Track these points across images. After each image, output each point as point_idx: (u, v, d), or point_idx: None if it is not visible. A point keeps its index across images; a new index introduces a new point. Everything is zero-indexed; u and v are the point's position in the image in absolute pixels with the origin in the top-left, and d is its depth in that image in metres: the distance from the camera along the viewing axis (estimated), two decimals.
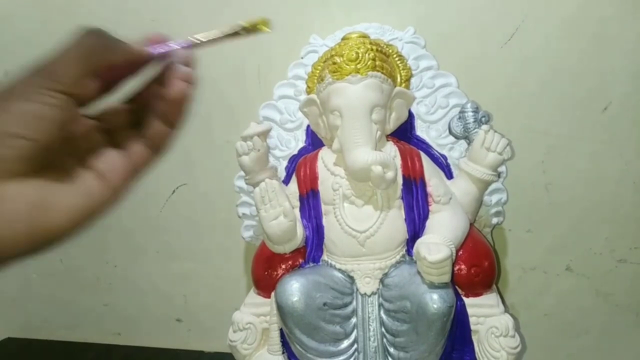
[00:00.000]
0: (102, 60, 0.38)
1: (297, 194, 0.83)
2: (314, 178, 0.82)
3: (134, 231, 1.13)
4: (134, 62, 0.41)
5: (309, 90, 0.86)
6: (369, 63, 0.77)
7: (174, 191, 1.09)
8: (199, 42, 0.48)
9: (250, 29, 0.55)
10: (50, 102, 0.35)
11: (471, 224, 0.83)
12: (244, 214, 0.93)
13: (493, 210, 0.88)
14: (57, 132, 0.36)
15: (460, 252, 0.79)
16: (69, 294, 1.20)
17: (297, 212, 0.82)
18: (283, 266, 0.83)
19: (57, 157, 0.38)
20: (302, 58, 0.92)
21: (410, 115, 0.86)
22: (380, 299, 0.78)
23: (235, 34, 0.52)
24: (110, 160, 0.42)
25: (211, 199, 1.07)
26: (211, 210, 1.07)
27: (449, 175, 0.86)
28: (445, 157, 0.87)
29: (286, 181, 0.87)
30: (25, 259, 0.36)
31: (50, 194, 0.37)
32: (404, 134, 0.86)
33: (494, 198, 0.87)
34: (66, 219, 0.38)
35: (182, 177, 1.08)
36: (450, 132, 0.87)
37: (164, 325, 1.16)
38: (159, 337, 1.16)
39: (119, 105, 0.45)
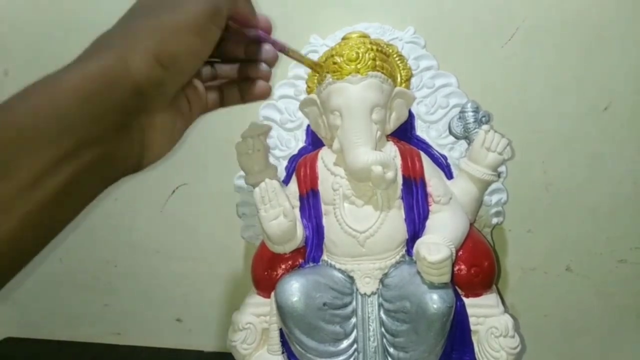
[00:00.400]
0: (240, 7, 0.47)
1: (297, 194, 0.83)
2: (314, 178, 0.82)
3: (134, 231, 1.13)
4: (244, 31, 0.50)
5: (309, 90, 0.86)
6: (369, 63, 0.77)
7: (174, 191, 1.09)
8: (287, 51, 0.57)
9: (315, 68, 0.72)
10: (212, 39, 0.43)
11: (471, 224, 0.83)
12: (243, 213, 0.93)
13: (493, 210, 0.88)
14: (197, 68, 0.44)
15: (460, 252, 0.79)
16: (69, 294, 1.19)
17: (297, 212, 0.82)
18: (283, 266, 0.83)
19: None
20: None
21: (411, 115, 0.86)
22: (380, 299, 0.78)
23: (306, 62, 0.65)
24: (197, 94, 0.49)
25: (211, 199, 1.07)
26: (211, 210, 1.07)
27: (449, 175, 0.86)
28: (445, 157, 0.87)
29: (286, 181, 0.87)
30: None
31: (178, 123, 0.46)
32: (404, 134, 0.86)
33: (494, 198, 0.87)
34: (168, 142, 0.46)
35: (182, 177, 1.08)
36: (451, 132, 0.87)
37: (164, 325, 1.16)
38: (159, 337, 1.16)
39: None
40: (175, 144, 0.46)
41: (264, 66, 0.53)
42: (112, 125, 0.37)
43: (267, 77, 0.54)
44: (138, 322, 1.17)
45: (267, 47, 0.52)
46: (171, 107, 0.44)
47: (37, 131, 0.33)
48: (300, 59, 0.62)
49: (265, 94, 0.55)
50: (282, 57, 0.58)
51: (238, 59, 0.53)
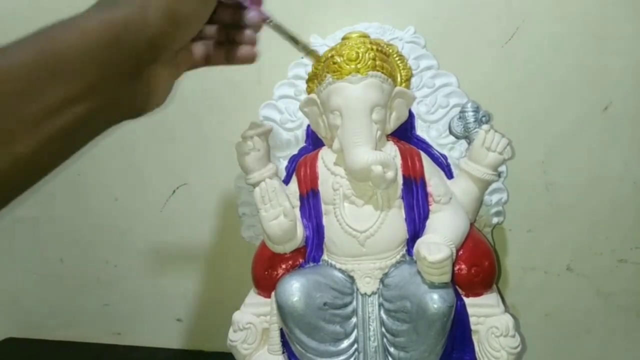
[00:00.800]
0: None
1: (297, 194, 0.83)
2: (314, 178, 0.82)
3: (134, 231, 1.13)
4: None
5: (309, 90, 0.86)
6: (369, 63, 0.77)
7: (174, 191, 1.09)
8: (271, 21, 0.59)
9: (307, 52, 0.70)
10: (212, 3, 0.48)
11: (471, 224, 0.83)
12: (244, 213, 0.93)
13: (493, 210, 0.88)
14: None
15: (461, 252, 0.79)
16: (69, 294, 1.20)
17: (297, 211, 0.82)
18: (283, 266, 0.83)
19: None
20: (302, 58, 0.91)
21: (411, 115, 0.86)
22: (381, 298, 0.78)
23: (296, 43, 0.67)
24: (187, 50, 0.52)
25: (211, 199, 1.07)
26: (211, 210, 1.07)
27: (449, 175, 0.86)
28: (445, 157, 0.87)
29: (286, 181, 0.87)
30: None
31: (175, 76, 0.50)
32: (404, 133, 0.86)
33: (494, 198, 0.87)
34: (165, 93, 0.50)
35: (182, 177, 1.08)
36: (451, 132, 0.87)
37: (164, 325, 1.16)
38: (159, 337, 1.16)
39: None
40: (168, 94, 0.50)
41: (248, 31, 0.56)
42: (128, 70, 0.41)
43: (252, 42, 0.57)
44: (138, 322, 1.18)
45: (251, 14, 0.55)
46: (171, 60, 0.47)
47: (69, 63, 0.36)
48: (284, 33, 0.64)
49: (250, 59, 0.58)
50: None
51: (224, 22, 0.56)
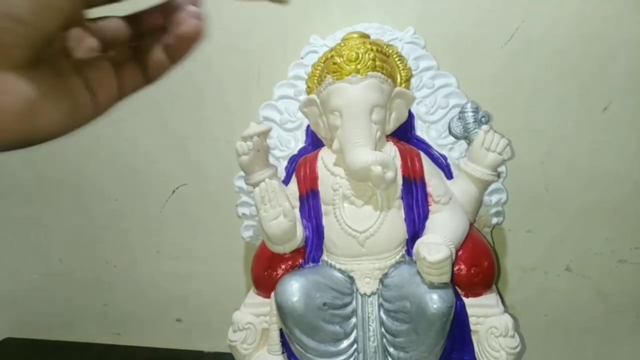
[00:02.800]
0: None
1: (297, 194, 0.83)
2: (314, 178, 0.82)
3: (134, 231, 1.13)
4: None
5: (309, 91, 0.86)
6: (369, 63, 0.77)
7: (174, 191, 1.09)
8: None
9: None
10: None
11: (471, 224, 0.83)
12: (243, 214, 0.93)
13: (493, 210, 0.88)
14: (60, 24, 0.34)
15: (460, 252, 0.79)
16: (68, 294, 1.20)
17: (297, 212, 0.82)
18: (283, 266, 0.83)
19: (53, 55, 0.37)
20: (302, 58, 0.92)
21: (410, 116, 0.86)
22: (380, 299, 0.78)
23: None
24: (102, 75, 0.41)
25: (211, 199, 1.07)
26: (211, 210, 1.08)
27: (449, 175, 0.86)
28: (445, 157, 0.87)
29: (286, 181, 0.87)
30: None
31: (42, 95, 0.36)
32: (404, 134, 0.86)
33: (494, 198, 0.87)
34: (49, 125, 0.37)
35: (182, 177, 1.08)
36: (450, 133, 0.86)
37: (164, 325, 1.16)
38: (159, 337, 1.16)
39: (122, 19, 0.43)
40: (30, 124, 0.36)
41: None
42: None
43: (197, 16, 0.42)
44: (138, 322, 1.18)
45: None
46: (30, 70, 0.35)
47: None
48: None
49: (197, 31, 0.42)
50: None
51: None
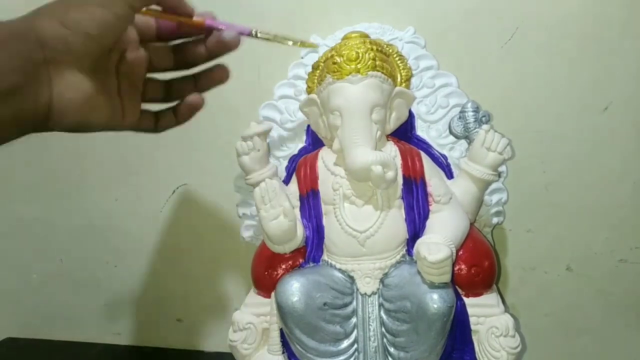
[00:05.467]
0: None
1: (297, 194, 0.83)
2: (314, 178, 0.82)
3: (134, 231, 1.13)
4: (183, 22, 0.53)
5: (309, 90, 0.86)
6: (369, 63, 0.77)
7: (174, 191, 1.09)
8: (253, 34, 0.57)
9: (302, 44, 0.66)
10: (121, 13, 0.45)
11: (471, 224, 0.83)
12: (244, 213, 0.93)
13: (493, 210, 0.88)
14: (115, 41, 0.47)
15: (461, 252, 0.79)
16: (69, 294, 1.20)
17: (297, 212, 0.82)
18: (283, 266, 0.82)
19: (108, 64, 0.49)
20: (302, 58, 0.92)
21: (411, 115, 0.86)
22: (381, 298, 0.78)
23: (288, 41, 0.63)
24: (131, 101, 0.54)
25: (211, 199, 1.07)
26: (211, 210, 1.07)
27: (450, 175, 0.86)
28: (445, 157, 0.87)
29: (286, 181, 0.87)
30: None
31: (97, 92, 0.48)
32: (404, 133, 0.86)
33: (494, 198, 0.87)
34: (99, 118, 0.50)
35: (182, 177, 1.08)
36: (451, 132, 0.86)
37: (164, 325, 1.16)
38: (159, 336, 1.16)
39: (168, 48, 0.56)
40: (87, 114, 0.48)
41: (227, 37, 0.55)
42: (21, 71, 0.42)
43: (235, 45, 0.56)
44: (138, 322, 1.18)
45: (230, 34, 0.55)
46: (91, 73, 0.47)
47: None
48: (275, 39, 0.61)
49: (224, 77, 0.60)
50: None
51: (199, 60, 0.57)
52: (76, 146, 1.09)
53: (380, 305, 0.78)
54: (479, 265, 0.80)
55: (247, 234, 0.94)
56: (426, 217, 0.80)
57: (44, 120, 0.46)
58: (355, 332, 0.79)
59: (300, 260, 0.83)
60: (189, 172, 1.07)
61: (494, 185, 0.86)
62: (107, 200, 1.12)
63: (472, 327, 0.79)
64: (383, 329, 0.78)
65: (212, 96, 1.00)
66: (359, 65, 0.77)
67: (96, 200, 1.13)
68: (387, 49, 0.84)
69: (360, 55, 0.77)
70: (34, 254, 1.20)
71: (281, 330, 0.80)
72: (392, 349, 0.77)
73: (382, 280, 0.79)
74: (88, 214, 1.14)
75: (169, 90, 0.59)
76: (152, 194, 1.10)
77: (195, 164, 1.06)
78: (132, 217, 1.12)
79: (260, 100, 0.94)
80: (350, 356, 0.78)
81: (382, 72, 0.78)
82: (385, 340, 0.78)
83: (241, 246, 0.99)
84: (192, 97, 0.58)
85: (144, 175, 1.09)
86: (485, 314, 0.79)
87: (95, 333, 1.20)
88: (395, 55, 0.84)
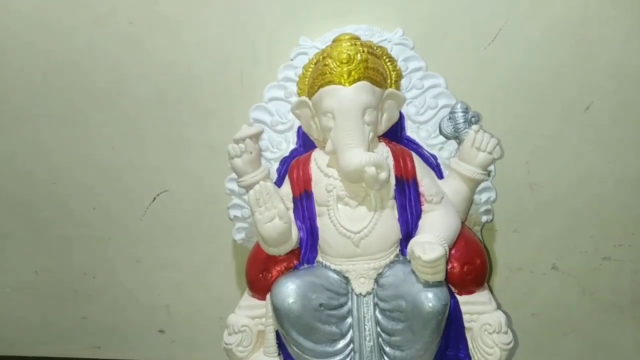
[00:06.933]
0: None
1: (291, 196, 0.83)
2: (307, 179, 0.82)
3: (112, 241, 1.11)
4: None
5: (299, 92, 0.86)
6: (360, 65, 0.78)
7: (154, 198, 1.07)
8: None
9: None
10: None
11: (462, 223, 0.84)
12: (235, 216, 0.92)
13: (482, 209, 0.89)
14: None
15: (453, 251, 0.80)
16: (45, 308, 1.16)
17: (290, 213, 0.82)
18: (277, 268, 0.82)
19: None
20: (292, 60, 0.91)
21: (400, 116, 0.87)
22: (376, 298, 0.79)
23: None
24: None
25: (193, 206, 1.06)
26: (194, 217, 1.06)
27: (439, 174, 0.87)
28: (435, 157, 0.88)
29: (278, 183, 0.87)
30: None
31: None
32: (394, 134, 0.87)
33: (483, 196, 0.88)
34: None
35: (163, 184, 1.06)
36: (441, 133, 0.87)
37: (146, 336, 1.13)
38: (141, 349, 1.14)
39: None
40: None
41: None
42: None
43: None
44: (118, 334, 1.15)
45: None
46: None
47: None
48: None
49: None
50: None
51: None
52: (51, 152, 1.06)
53: (375, 305, 0.78)
54: (471, 263, 0.81)
55: (239, 236, 0.93)
56: (419, 216, 0.80)
57: None
58: (351, 332, 0.79)
59: (295, 262, 0.82)
60: (170, 178, 1.05)
61: (482, 184, 0.87)
62: (85, 209, 1.09)
63: (466, 324, 0.80)
64: (378, 329, 0.78)
65: (193, 99, 0.99)
66: (350, 67, 0.77)
67: (73, 209, 1.10)
68: (378, 50, 0.84)
69: (352, 57, 0.78)
70: (7, 267, 1.16)
71: (277, 332, 0.80)
72: (387, 348, 0.77)
73: (376, 280, 0.79)
74: (64, 224, 1.11)
75: None
76: (132, 202, 1.08)
77: (176, 170, 1.04)
78: (110, 226, 1.10)
79: (244, 103, 0.94)
80: (347, 356, 0.78)
81: (374, 74, 0.79)
82: (380, 339, 0.78)
83: (225, 254, 0.98)
84: None
85: (123, 182, 1.07)
86: (478, 311, 0.80)
87: (74, 347, 1.17)
88: (385, 57, 0.85)
